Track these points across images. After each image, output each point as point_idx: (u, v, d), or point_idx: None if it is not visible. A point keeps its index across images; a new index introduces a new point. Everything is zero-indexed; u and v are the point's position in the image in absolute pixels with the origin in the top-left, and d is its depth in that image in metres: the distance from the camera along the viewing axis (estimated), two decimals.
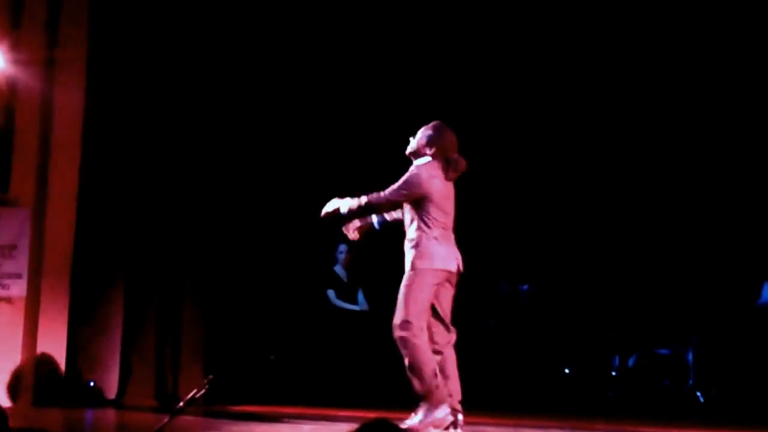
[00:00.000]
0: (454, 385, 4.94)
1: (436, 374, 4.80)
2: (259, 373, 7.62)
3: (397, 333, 4.83)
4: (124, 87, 7.20)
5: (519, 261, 9.24)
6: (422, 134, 5.06)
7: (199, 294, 7.31)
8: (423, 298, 4.84)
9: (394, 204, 5.00)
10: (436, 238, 4.88)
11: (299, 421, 6.00)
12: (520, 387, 8.49)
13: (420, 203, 4.90)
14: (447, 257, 4.91)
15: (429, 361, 4.79)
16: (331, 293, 8.43)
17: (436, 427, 4.78)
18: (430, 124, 5.09)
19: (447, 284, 4.94)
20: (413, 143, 5.09)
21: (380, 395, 7.16)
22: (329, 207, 5.03)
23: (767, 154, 8.37)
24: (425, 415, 4.78)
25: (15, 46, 7.08)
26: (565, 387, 8.91)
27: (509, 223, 9.01)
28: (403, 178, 4.94)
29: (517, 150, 8.90)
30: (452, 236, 5.02)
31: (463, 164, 5.02)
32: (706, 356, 8.55)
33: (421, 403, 4.81)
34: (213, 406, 6.27)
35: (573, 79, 8.61)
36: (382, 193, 4.93)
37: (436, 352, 4.90)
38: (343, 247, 8.46)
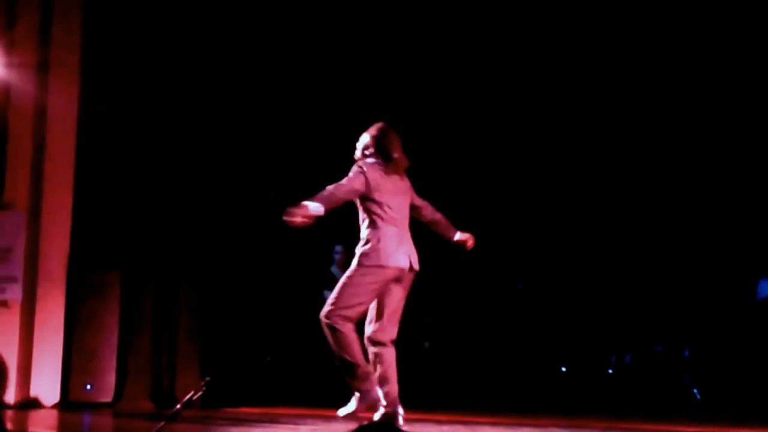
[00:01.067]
0: (391, 387, 4.92)
1: (363, 362, 4.85)
2: (255, 375, 7.61)
3: (323, 320, 4.87)
4: (118, 90, 7.20)
5: (514, 259, 9.24)
6: (365, 136, 5.15)
7: (194, 296, 7.30)
8: (360, 293, 4.84)
9: (339, 199, 4.89)
10: (385, 235, 4.89)
11: (296, 422, 5.99)
12: (518, 386, 8.49)
13: (366, 200, 4.94)
14: (396, 254, 4.90)
15: (355, 346, 4.84)
16: (327, 293, 8.41)
17: (371, 409, 4.83)
18: (373, 126, 5.16)
19: (395, 282, 4.93)
20: (358, 145, 5.17)
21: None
22: (304, 212, 4.79)
23: (762, 153, 8.36)
24: (359, 401, 4.84)
25: (8, 50, 7.08)
26: (562, 385, 8.93)
27: (505, 221, 9.01)
28: (348, 175, 4.96)
29: (516, 148, 8.90)
30: (405, 233, 5.02)
31: (404, 162, 5.08)
32: (703, 353, 8.57)
33: (355, 392, 4.86)
34: (210, 409, 6.26)
35: (578, 83, 8.60)
36: (328, 188, 4.88)
37: (376, 344, 4.93)
38: (338, 248, 8.45)
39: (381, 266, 4.84)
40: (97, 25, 7.22)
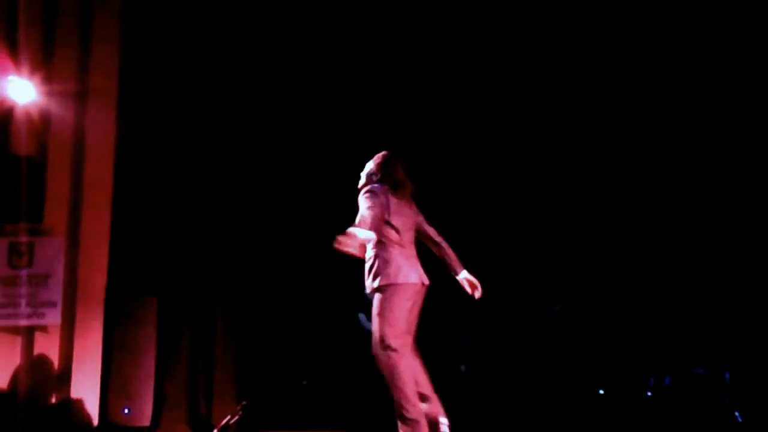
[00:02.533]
0: (430, 397, 4.95)
1: (416, 401, 4.85)
2: (292, 398, 7.61)
3: (378, 356, 4.91)
4: (155, 117, 7.29)
5: (552, 282, 9.18)
6: (369, 164, 5.26)
7: (231, 319, 7.34)
8: (396, 317, 4.89)
9: (379, 217, 4.93)
10: (392, 255, 4.95)
11: None
12: (555, 409, 8.40)
13: None
14: (406, 270, 4.94)
15: (410, 382, 4.84)
16: (362, 316, 8.43)
17: None
18: (377, 156, 5.26)
19: (411, 299, 4.96)
20: (363, 175, 5.25)
21: None
22: (354, 241, 4.87)
23: None
24: None
25: (47, 79, 7.20)
26: (600, 408, 8.82)
27: (542, 243, 8.96)
28: (362, 204, 4.96)
29: (556, 170, 8.85)
30: (412, 253, 5.08)
31: (409, 186, 5.19)
32: (744, 375, 8.43)
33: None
34: None
35: (603, 109, 8.56)
36: (364, 221, 4.89)
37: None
38: None
39: (398, 284, 4.90)
40: (135, 52, 7.33)
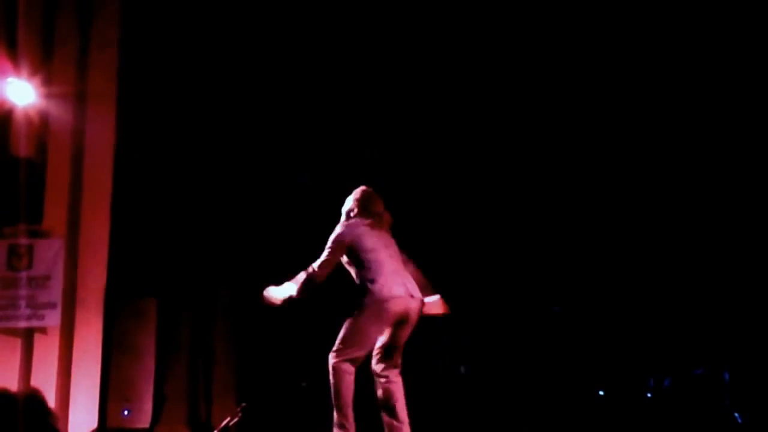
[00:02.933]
0: (402, 426, 5.05)
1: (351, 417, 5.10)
2: (291, 400, 7.61)
3: (331, 361, 5.09)
4: (153, 118, 7.30)
5: (551, 283, 9.17)
6: (348, 200, 5.36)
7: (230, 321, 7.35)
8: (366, 334, 4.95)
9: (330, 265, 5.14)
10: (377, 273, 4.96)
11: None
12: (555, 411, 8.40)
13: (353, 255, 5.06)
14: (391, 284, 4.93)
15: (350, 394, 5.09)
16: None
17: None
18: (356, 191, 5.36)
19: (400, 314, 4.94)
20: (343, 210, 5.36)
21: (416, 421, 7.12)
22: (276, 296, 5.22)
23: None
24: None
25: (47, 81, 7.20)
26: (599, 409, 8.81)
27: (542, 244, 8.96)
28: (327, 245, 5.13)
29: (552, 169, 8.86)
30: (399, 269, 5.06)
31: (388, 217, 5.26)
32: (743, 376, 8.42)
33: None
34: None
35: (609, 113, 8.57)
36: (314, 264, 5.14)
37: (383, 377, 5.07)
38: None
39: (382, 300, 4.87)
40: (134, 54, 7.34)
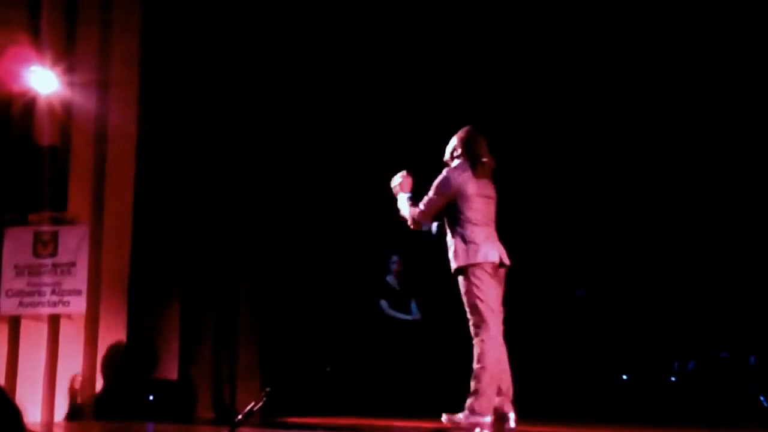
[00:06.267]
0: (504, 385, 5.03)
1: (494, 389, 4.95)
2: (315, 385, 7.64)
3: (478, 342, 4.97)
4: (176, 105, 7.32)
5: (575, 265, 9.15)
6: (453, 139, 5.31)
7: (254, 305, 7.38)
8: (485, 297, 4.94)
9: (434, 209, 5.16)
10: (471, 235, 5.00)
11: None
12: (578, 395, 8.39)
13: (454, 204, 5.06)
14: (485, 249, 4.98)
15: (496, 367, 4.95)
16: (384, 303, 8.45)
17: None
18: (461, 130, 5.31)
19: (492, 277, 5.00)
20: (447, 149, 5.33)
21: (435, 404, 7.13)
22: (397, 186, 5.39)
23: None
24: (466, 418, 4.94)
25: (70, 69, 7.24)
26: (623, 393, 8.79)
27: (565, 227, 8.92)
28: (434, 183, 5.15)
29: (581, 151, 8.82)
30: (491, 232, 5.12)
31: (491, 163, 5.21)
32: None
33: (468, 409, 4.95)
34: (271, 419, 6.30)
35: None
36: (420, 205, 5.17)
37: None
38: (395, 258, 8.49)
39: (478, 264, 4.92)
40: (156, 42, 7.35)
